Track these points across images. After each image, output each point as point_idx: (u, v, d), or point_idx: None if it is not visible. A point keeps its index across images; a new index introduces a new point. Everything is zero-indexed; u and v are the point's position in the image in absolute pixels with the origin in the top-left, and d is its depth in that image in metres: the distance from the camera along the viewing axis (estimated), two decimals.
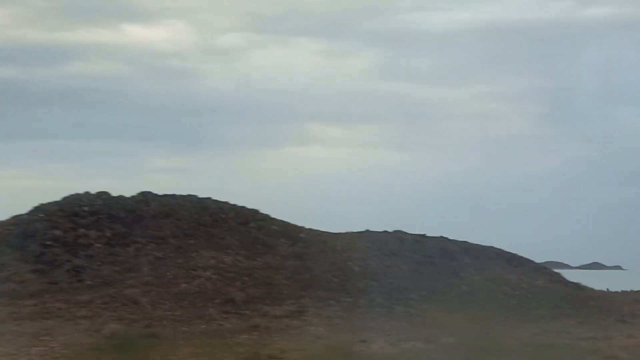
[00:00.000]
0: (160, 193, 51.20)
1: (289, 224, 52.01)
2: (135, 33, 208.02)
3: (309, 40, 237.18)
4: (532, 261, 58.03)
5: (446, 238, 56.18)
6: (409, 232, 55.12)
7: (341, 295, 45.57)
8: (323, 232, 53.01)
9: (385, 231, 54.27)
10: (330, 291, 45.73)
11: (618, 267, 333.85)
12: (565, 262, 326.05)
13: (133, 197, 49.51)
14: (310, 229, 52.60)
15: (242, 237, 48.45)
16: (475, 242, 57.20)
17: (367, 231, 54.03)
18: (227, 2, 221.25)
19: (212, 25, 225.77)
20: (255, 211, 51.69)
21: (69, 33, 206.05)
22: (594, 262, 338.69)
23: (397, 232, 54.41)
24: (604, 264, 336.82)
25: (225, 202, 51.76)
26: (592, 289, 58.97)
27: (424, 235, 55.43)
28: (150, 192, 49.79)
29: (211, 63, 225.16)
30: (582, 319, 48.88)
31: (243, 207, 51.69)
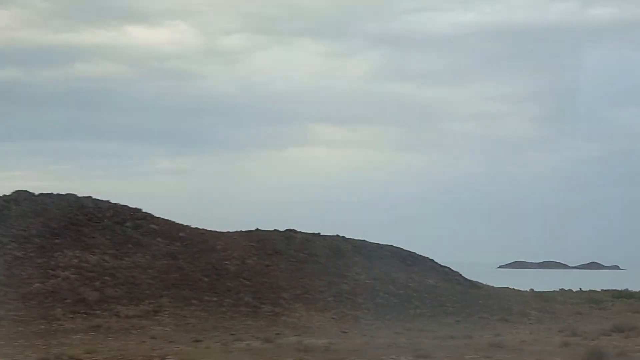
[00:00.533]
0: (62, 192, 50.82)
1: (172, 223, 51.55)
2: (138, 34, 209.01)
3: (312, 42, 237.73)
4: (430, 260, 57.42)
5: (342, 237, 55.67)
6: (302, 231, 54.60)
7: (207, 294, 45.09)
8: (209, 231, 52.49)
9: (276, 230, 53.74)
10: (197, 290, 45.26)
11: (616, 267, 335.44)
12: (563, 262, 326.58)
13: (4, 196, 49.13)
14: (196, 229, 52.11)
15: (114, 236, 47.99)
16: (371, 241, 56.74)
17: (257, 230, 53.52)
18: (230, 3, 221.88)
19: (215, 27, 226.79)
20: (137, 210, 51.23)
21: (72, 35, 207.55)
22: (592, 262, 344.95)
23: (288, 231, 53.89)
24: (602, 263, 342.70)
25: (106, 201, 51.32)
26: (492, 288, 58.42)
27: (318, 234, 54.91)
28: (25, 191, 49.43)
29: (214, 64, 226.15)
30: (463, 317, 48.36)
31: (124, 206, 51.24)
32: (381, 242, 56.83)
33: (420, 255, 57.28)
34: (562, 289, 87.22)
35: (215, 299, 44.86)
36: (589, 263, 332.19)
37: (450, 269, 57.39)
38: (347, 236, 56.00)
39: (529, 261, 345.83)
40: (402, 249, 57.19)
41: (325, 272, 50.43)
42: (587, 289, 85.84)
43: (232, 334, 39.10)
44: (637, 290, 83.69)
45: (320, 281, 49.27)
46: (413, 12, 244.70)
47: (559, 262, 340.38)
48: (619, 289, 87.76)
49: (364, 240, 56.33)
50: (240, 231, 53.40)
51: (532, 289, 75.34)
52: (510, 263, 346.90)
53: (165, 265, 46.80)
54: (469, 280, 57.29)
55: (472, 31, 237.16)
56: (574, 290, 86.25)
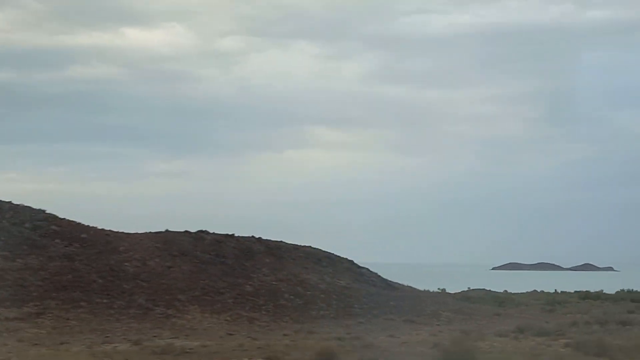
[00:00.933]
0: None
1: (76, 224, 50.79)
2: (134, 36, 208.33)
3: (308, 44, 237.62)
4: (348, 261, 56.58)
5: (257, 238, 54.88)
6: (216, 233, 53.81)
7: (99, 296, 44.34)
8: (116, 232, 51.72)
9: (187, 231, 52.96)
10: (88, 292, 44.50)
11: (610, 268, 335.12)
12: (557, 264, 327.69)
13: None
14: (102, 230, 51.35)
15: (10, 237, 47.24)
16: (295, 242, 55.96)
17: (166, 231, 52.74)
18: (226, 5, 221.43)
19: (212, 29, 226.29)
20: (40, 211, 50.48)
21: (68, 36, 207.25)
22: (586, 264, 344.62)
23: (199, 232, 53.11)
24: (596, 265, 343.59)
25: (8, 202, 50.59)
26: (408, 289, 57.64)
27: (231, 235, 54.12)
28: None
29: (210, 67, 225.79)
30: (368, 319, 47.58)
31: (27, 207, 50.51)
32: (299, 244, 56.04)
33: (339, 256, 56.47)
34: (526, 291, 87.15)
35: (105, 300, 44.09)
36: (583, 264, 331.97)
37: (368, 269, 56.57)
38: (264, 237, 55.21)
39: (523, 262, 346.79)
40: (320, 250, 56.40)
41: (231, 274, 49.63)
42: (552, 290, 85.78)
43: (106, 337, 38.37)
44: (612, 292, 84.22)
45: (223, 282, 48.48)
46: (409, 15, 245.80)
47: (553, 264, 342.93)
48: (594, 289, 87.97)
49: (281, 242, 55.54)
50: (149, 232, 52.60)
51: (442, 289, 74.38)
52: (504, 265, 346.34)
53: (59, 267, 46.03)
54: (387, 281, 56.48)
55: (467, 33, 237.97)
56: (538, 291, 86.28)
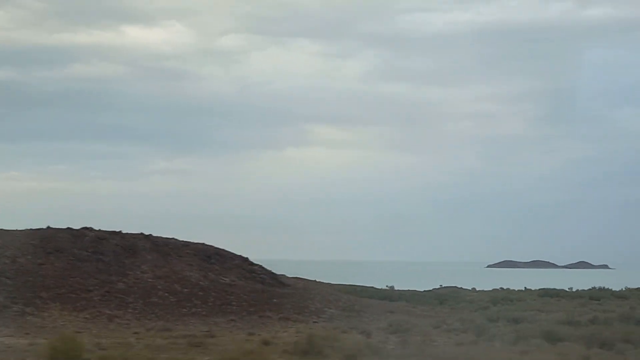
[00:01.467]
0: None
1: None
2: (134, 35, 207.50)
3: (308, 42, 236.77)
4: (241, 258, 55.42)
5: (147, 235, 53.87)
6: (101, 230, 52.79)
7: None
8: None
9: (69, 228, 51.94)
10: None
11: (605, 266, 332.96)
12: (552, 262, 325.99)
13: None
14: None
15: None
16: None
17: (48, 228, 51.74)
18: (226, 3, 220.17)
19: (211, 27, 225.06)
20: None
21: (68, 35, 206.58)
22: (580, 262, 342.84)
23: (83, 229, 52.11)
24: (591, 263, 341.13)
25: None
26: (301, 286, 56.52)
27: (118, 232, 53.06)
28: None
29: (210, 65, 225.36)
30: (242, 316, 46.60)
31: None
32: (191, 241, 54.97)
33: (231, 253, 55.37)
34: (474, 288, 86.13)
35: None
36: (578, 262, 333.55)
37: (261, 267, 55.41)
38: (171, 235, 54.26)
39: (518, 260, 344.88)
40: (212, 246, 55.27)
41: (105, 271, 48.63)
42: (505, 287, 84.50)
43: None
44: (576, 290, 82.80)
45: (94, 280, 47.48)
46: (409, 13, 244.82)
47: (547, 262, 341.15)
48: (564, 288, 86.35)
49: (172, 239, 54.51)
50: (29, 229, 51.63)
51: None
52: (499, 262, 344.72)
53: None
54: (279, 278, 55.37)
55: (468, 31, 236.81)
56: (504, 288, 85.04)
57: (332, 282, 69.47)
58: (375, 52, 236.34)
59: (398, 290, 73.35)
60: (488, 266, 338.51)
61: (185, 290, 48.77)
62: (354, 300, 54.77)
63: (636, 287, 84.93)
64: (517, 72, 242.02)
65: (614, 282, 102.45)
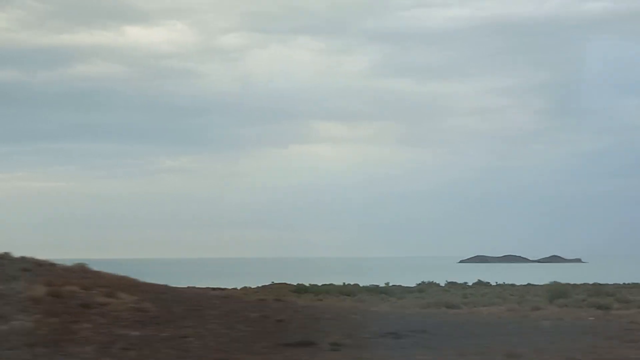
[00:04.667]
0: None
1: None
2: (136, 34, 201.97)
3: (310, 39, 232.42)
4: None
5: None
6: None
7: None
8: None
9: None
10: None
11: (578, 260, 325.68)
12: (524, 256, 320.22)
13: None
14: None
15: None
16: None
17: None
18: (227, 2, 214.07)
19: (213, 26, 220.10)
20: None
21: (70, 35, 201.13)
22: (553, 256, 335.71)
23: None
24: (564, 257, 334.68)
25: None
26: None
27: None
28: None
29: (212, 63, 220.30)
30: None
31: None
32: None
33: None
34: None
35: None
36: (550, 256, 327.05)
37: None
38: None
39: (490, 255, 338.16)
40: None
41: None
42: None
43: None
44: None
45: None
46: (410, 8, 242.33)
47: (520, 256, 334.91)
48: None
49: None
50: None
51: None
52: (471, 257, 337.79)
53: None
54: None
55: (469, 26, 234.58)
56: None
57: None
58: (377, 48, 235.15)
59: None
60: (461, 261, 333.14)
61: None
62: None
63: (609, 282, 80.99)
64: (520, 65, 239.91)
65: (589, 276, 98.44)
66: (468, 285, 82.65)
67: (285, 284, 74.68)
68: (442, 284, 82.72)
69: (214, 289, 56.09)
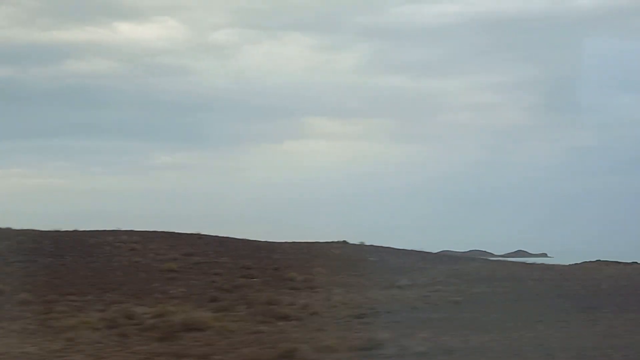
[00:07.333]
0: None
1: None
2: (128, 31, 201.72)
3: (303, 35, 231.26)
4: None
5: None
6: None
7: None
8: None
9: None
10: None
11: (543, 255, 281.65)
12: (489, 251, 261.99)
13: None
14: None
15: None
16: None
17: None
18: None
19: (205, 22, 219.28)
20: None
21: (62, 32, 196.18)
22: (518, 250, 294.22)
23: None
24: (529, 251, 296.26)
25: None
26: None
27: None
28: None
29: (205, 60, 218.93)
30: None
31: None
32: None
33: None
34: None
35: None
36: (515, 251, 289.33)
37: None
38: None
39: (455, 250, 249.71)
40: None
41: None
42: None
43: None
44: None
45: None
46: (402, 4, 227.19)
47: (485, 251, 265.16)
48: None
49: None
50: None
51: None
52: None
53: None
54: None
55: (459, 22, 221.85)
56: None
57: None
58: (370, 44, 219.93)
59: None
60: None
61: None
62: None
63: None
64: (512, 61, 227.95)
65: None
66: None
67: None
68: None
69: None
